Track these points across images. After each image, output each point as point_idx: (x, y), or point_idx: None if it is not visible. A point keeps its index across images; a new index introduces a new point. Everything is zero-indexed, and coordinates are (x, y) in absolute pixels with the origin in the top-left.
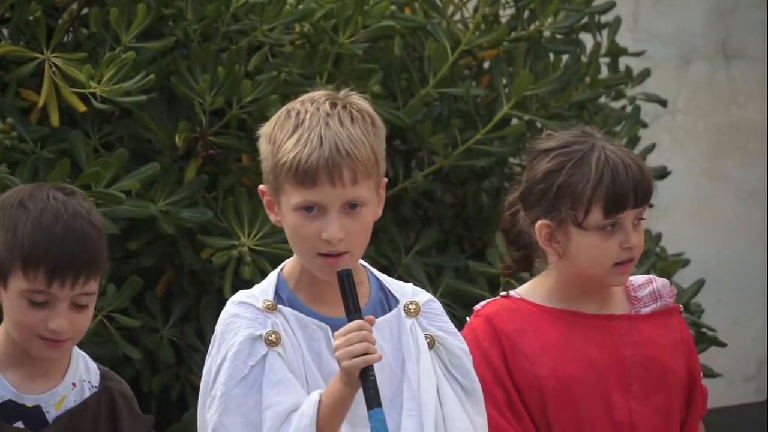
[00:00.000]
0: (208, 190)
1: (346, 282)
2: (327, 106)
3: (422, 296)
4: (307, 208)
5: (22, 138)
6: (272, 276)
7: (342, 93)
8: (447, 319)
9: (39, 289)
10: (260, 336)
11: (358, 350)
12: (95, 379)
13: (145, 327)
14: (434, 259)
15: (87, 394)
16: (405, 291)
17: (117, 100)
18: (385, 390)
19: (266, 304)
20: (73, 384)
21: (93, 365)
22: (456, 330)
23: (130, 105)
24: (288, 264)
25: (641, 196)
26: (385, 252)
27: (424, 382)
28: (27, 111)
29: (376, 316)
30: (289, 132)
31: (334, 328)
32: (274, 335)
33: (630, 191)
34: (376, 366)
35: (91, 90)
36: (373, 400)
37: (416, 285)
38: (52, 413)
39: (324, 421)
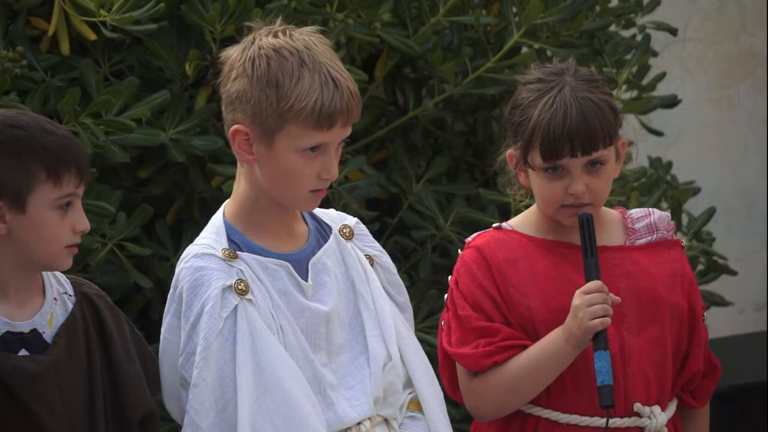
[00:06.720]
0: (218, 118)
1: (586, 225)
2: None
3: (350, 219)
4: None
5: (32, 66)
6: (218, 223)
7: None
8: (373, 238)
9: (70, 191)
10: (230, 286)
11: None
12: (70, 288)
13: (155, 255)
14: (445, 187)
15: (69, 304)
16: (333, 217)
17: (127, 28)
18: (343, 314)
19: (226, 252)
20: (54, 298)
21: (61, 275)
22: (382, 248)
23: (140, 33)
24: (229, 207)
25: (580, 145)
26: (396, 180)
27: (379, 300)
28: (37, 39)
29: (317, 244)
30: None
31: (294, 263)
32: (242, 284)
33: (564, 139)
34: (338, 296)
35: (101, 18)
36: (602, 343)
37: (427, 213)
38: (48, 333)
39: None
